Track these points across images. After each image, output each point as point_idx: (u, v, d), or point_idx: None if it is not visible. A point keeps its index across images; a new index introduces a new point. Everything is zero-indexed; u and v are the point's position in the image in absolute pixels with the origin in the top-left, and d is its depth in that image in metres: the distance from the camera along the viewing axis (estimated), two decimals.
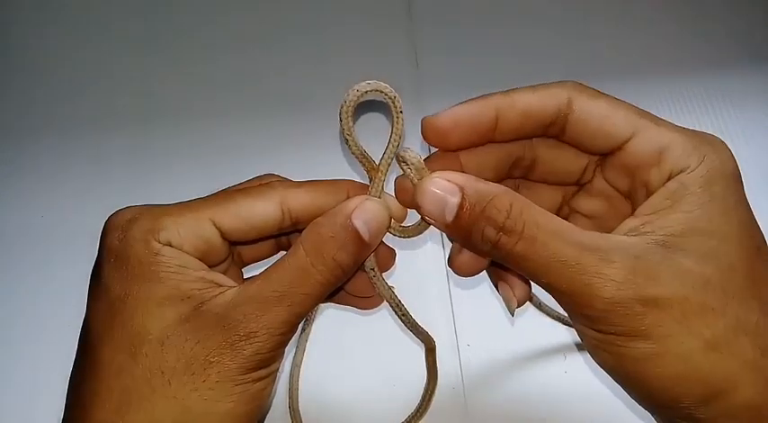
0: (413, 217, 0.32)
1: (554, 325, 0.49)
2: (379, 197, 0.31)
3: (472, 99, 0.30)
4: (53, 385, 0.50)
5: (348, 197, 0.31)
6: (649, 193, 0.29)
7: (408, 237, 0.33)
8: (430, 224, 0.30)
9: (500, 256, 0.27)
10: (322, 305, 0.49)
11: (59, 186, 0.58)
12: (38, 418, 0.49)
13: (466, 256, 0.32)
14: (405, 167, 0.30)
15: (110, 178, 0.59)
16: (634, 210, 0.29)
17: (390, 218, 0.32)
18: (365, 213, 0.30)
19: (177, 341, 0.27)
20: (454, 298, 0.51)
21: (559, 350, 0.49)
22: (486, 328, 0.50)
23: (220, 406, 0.27)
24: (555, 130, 0.30)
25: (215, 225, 0.30)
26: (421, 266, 0.53)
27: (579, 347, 0.49)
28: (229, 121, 0.61)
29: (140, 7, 0.67)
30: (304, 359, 0.47)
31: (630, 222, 0.28)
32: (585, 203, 0.33)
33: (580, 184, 0.34)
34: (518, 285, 0.34)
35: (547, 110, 0.29)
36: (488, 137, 0.31)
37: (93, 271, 0.30)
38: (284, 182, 0.32)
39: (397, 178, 0.31)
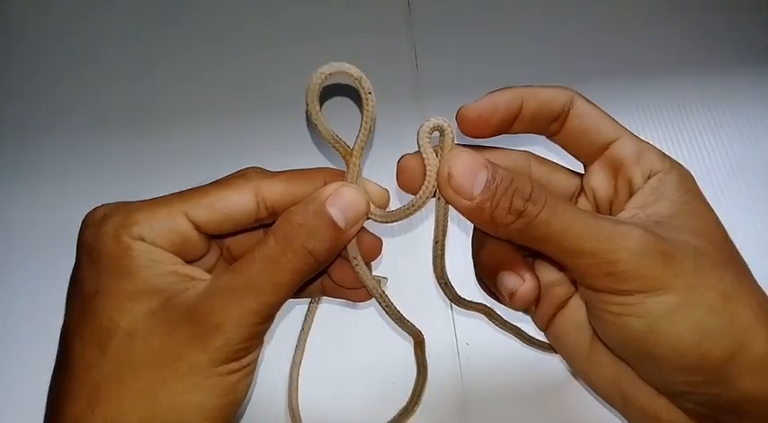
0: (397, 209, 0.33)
1: None
2: (356, 183, 0.31)
3: (498, 89, 0.33)
4: None
5: (325, 184, 0.31)
6: (632, 190, 0.32)
7: (390, 222, 0.32)
8: (447, 200, 0.30)
9: (522, 225, 0.28)
10: (321, 304, 0.49)
11: (60, 187, 0.58)
12: (41, 418, 0.49)
13: (531, 282, 0.33)
14: (427, 143, 0.30)
15: (110, 180, 0.59)
16: (611, 210, 0.33)
17: (369, 204, 0.32)
18: (341, 200, 0.30)
19: (145, 334, 0.27)
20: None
21: None
22: (486, 328, 0.50)
23: (190, 399, 0.27)
24: (554, 128, 0.33)
25: (188, 218, 0.30)
26: (421, 266, 0.53)
27: None
28: (230, 122, 0.61)
29: (141, 9, 0.67)
30: (303, 358, 0.48)
31: (624, 214, 0.31)
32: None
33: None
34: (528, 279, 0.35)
35: (558, 102, 0.32)
36: (511, 125, 0.33)
37: (72, 272, 0.30)
38: (260, 172, 0.32)
39: (403, 156, 0.32)
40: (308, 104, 0.30)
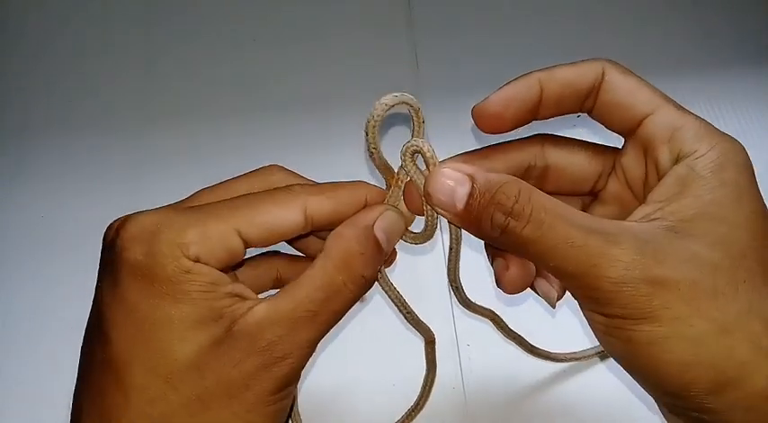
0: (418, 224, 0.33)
1: (554, 325, 0.49)
2: (397, 206, 0.32)
3: (512, 80, 0.31)
4: (54, 385, 0.50)
5: (366, 202, 0.31)
6: (660, 175, 0.29)
7: (418, 243, 0.33)
8: (439, 215, 0.30)
9: (509, 241, 0.27)
10: None
11: (60, 187, 0.58)
12: (41, 418, 0.49)
13: (513, 274, 0.32)
14: (412, 165, 0.31)
15: (110, 179, 0.59)
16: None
17: (406, 226, 0.32)
18: (386, 223, 0.30)
19: (214, 366, 0.26)
20: (454, 298, 0.51)
21: (559, 350, 0.49)
22: (486, 328, 0.50)
23: None
24: (589, 103, 0.31)
25: (240, 236, 0.28)
26: (421, 267, 0.53)
27: (580, 346, 0.49)
28: (230, 122, 0.61)
29: (141, 8, 0.67)
30: None
31: (642, 209, 0.28)
32: (599, 212, 0.33)
33: (593, 193, 0.33)
34: (554, 280, 0.34)
35: (584, 80, 0.30)
36: (534, 113, 0.31)
37: (106, 282, 0.28)
38: (305, 187, 0.31)
39: (405, 182, 0.32)
40: (367, 135, 0.31)
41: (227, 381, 0.26)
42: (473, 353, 0.49)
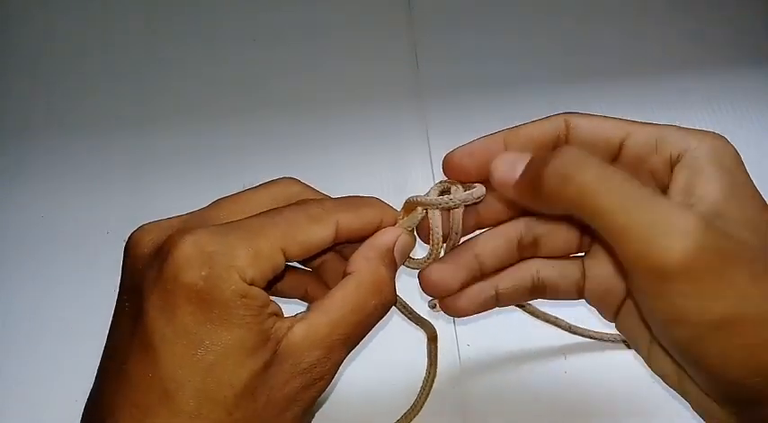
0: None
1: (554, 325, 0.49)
2: (411, 231, 0.33)
3: (480, 137, 0.32)
4: (54, 385, 0.50)
5: (381, 221, 0.32)
6: (661, 184, 0.30)
7: (414, 268, 0.35)
8: (498, 188, 0.30)
9: (570, 195, 0.25)
10: None
11: (60, 187, 0.58)
12: (41, 418, 0.49)
13: (440, 272, 0.33)
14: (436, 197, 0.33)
15: (110, 179, 0.59)
16: None
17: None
18: (401, 246, 0.32)
19: (263, 390, 0.27)
20: None
21: (559, 350, 0.49)
22: (486, 328, 0.50)
23: None
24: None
25: (284, 254, 0.28)
26: None
27: (581, 343, 0.49)
28: (230, 121, 0.61)
29: (141, 8, 0.67)
30: None
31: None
32: (591, 266, 0.34)
33: (586, 251, 0.34)
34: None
35: (546, 133, 0.31)
36: None
37: (155, 300, 0.26)
38: (335, 203, 0.31)
39: (427, 212, 0.33)
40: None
41: (274, 403, 0.27)
42: (473, 353, 0.49)
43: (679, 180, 0.29)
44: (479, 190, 0.32)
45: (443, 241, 0.33)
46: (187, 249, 0.26)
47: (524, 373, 0.48)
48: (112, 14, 0.67)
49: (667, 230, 0.24)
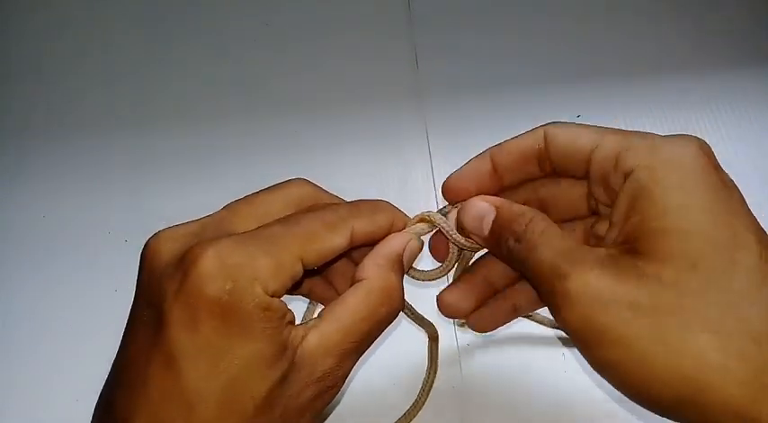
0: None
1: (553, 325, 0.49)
2: (417, 237, 0.34)
3: (471, 159, 0.34)
4: (54, 385, 0.50)
5: (392, 225, 0.33)
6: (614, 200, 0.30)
7: (421, 280, 0.36)
8: (472, 238, 0.33)
9: (513, 259, 0.30)
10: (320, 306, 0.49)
11: (60, 187, 0.58)
12: (41, 418, 0.49)
13: (453, 296, 0.35)
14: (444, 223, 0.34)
15: (110, 179, 0.59)
16: None
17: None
18: (409, 253, 0.33)
19: (281, 400, 0.27)
20: None
21: (559, 350, 0.49)
22: None
23: None
24: (547, 165, 0.33)
25: (302, 263, 0.29)
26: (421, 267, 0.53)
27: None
28: (230, 121, 0.61)
29: (141, 8, 0.67)
30: None
31: (609, 234, 0.29)
32: (602, 229, 0.33)
33: (595, 213, 0.34)
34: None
35: (526, 144, 0.32)
36: (497, 183, 0.34)
37: (178, 311, 0.26)
38: (348, 209, 0.32)
39: (432, 237, 0.35)
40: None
41: (290, 411, 0.28)
42: (473, 353, 0.49)
43: (619, 206, 0.29)
44: None
45: (456, 261, 0.35)
46: (210, 262, 0.26)
47: (524, 373, 0.48)
48: (112, 14, 0.67)
49: (557, 299, 0.28)
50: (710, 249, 0.26)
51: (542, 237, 0.29)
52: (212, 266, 0.26)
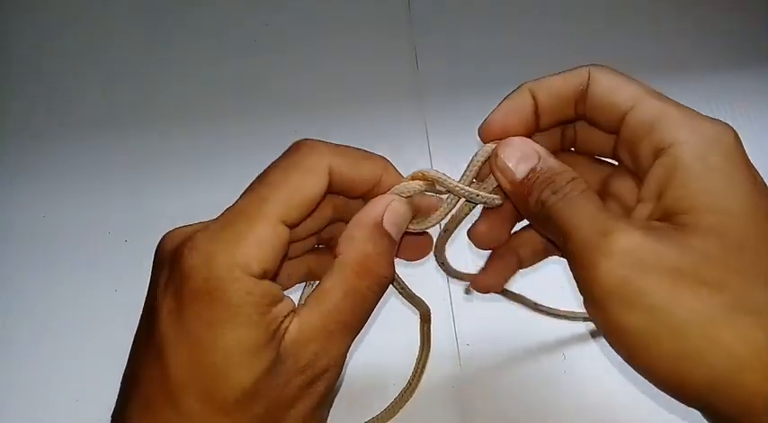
0: None
1: (553, 325, 0.49)
2: (408, 198, 0.32)
3: (509, 94, 0.32)
4: (54, 385, 0.50)
5: (381, 179, 0.31)
6: (642, 170, 0.29)
7: (419, 229, 0.33)
8: (497, 179, 0.31)
9: (543, 214, 0.28)
10: None
11: (60, 187, 0.58)
12: (41, 418, 0.49)
13: (483, 226, 0.33)
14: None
15: (110, 179, 0.59)
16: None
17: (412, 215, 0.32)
18: (394, 215, 0.30)
19: (265, 391, 0.26)
20: (454, 298, 0.51)
21: (559, 350, 0.49)
22: (486, 328, 0.50)
23: None
24: (581, 109, 0.31)
25: (286, 224, 0.28)
26: (421, 267, 0.53)
27: (580, 343, 0.49)
28: (230, 122, 0.61)
29: (141, 8, 0.67)
30: None
31: (640, 209, 0.28)
32: (618, 185, 0.33)
33: (615, 158, 0.33)
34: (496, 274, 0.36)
35: (569, 85, 0.31)
36: (535, 122, 0.32)
37: (167, 303, 0.27)
38: (329, 147, 0.30)
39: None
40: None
41: (276, 403, 0.26)
42: (473, 353, 0.49)
43: (653, 176, 0.28)
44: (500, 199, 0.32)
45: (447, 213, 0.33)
46: (192, 253, 0.26)
47: (524, 373, 0.48)
48: (112, 14, 0.67)
49: (593, 257, 0.26)
50: (756, 232, 0.26)
51: (584, 194, 0.28)
52: (194, 257, 0.26)
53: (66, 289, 0.54)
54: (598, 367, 0.48)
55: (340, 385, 0.29)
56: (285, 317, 0.27)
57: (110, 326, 0.52)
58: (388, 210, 0.30)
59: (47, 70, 0.64)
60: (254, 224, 0.27)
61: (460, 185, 0.32)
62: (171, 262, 0.27)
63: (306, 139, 0.31)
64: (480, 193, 0.32)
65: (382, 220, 0.29)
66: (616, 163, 0.33)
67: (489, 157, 0.31)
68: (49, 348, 0.52)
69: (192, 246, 0.26)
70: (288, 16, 0.66)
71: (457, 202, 0.33)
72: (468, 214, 0.34)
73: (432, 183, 0.32)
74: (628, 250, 0.25)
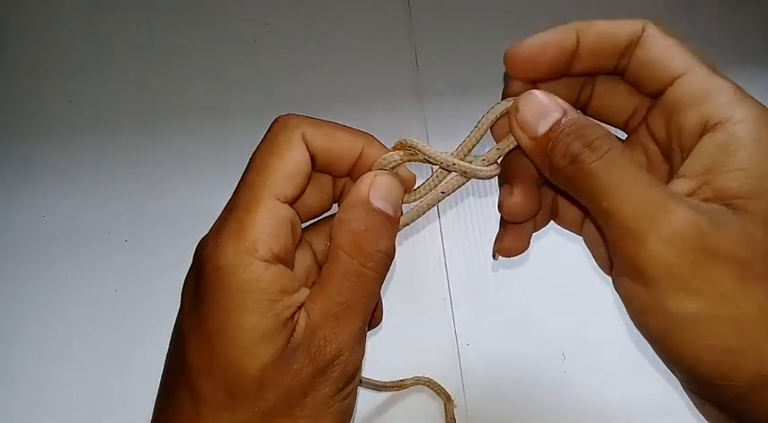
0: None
1: (553, 325, 0.49)
2: (394, 169, 0.31)
3: (551, 28, 0.30)
4: (54, 385, 0.50)
5: (362, 153, 0.31)
6: (684, 141, 0.27)
7: (417, 199, 0.32)
8: (515, 136, 0.29)
9: (572, 172, 0.26)
10: None
11: (61, 187, 0.58)
12: (41, 419, 0.49)
13: (516, 199, 0.31)
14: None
15: (111, 178, 0.59)
16: (671, 169, 0.28)
17: (404, 188, 0.31)
18: (381, 190, 0.29)
19: (275, 380, 0.26)
20: (454, 298, 0.51)
21: (559, 350, 0.49)
22: (486, 328, 0.50)
23: None
24: (624, 62, 0.30)
25: (283, 200, 0.28)
26: (421, 267, 0.53)
27: (580, 343, 0.49)
28: (230, 122, 0.61)
29: (141, 8, 0.67)
30: None
31: (685, 182, 0.26)
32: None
33: (627, 130, 0.32)
34: (519, 241, 0.33)
35: (622, 33, 0.29)
36: (568, 64, 0.30)
37: (189, 300, 0.28)
38: (301, 118, 0.30)
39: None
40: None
41: (287, 392, 0.26)
42: (473, 353, 0.49)
43: (702, 152, 0.26)
44: (496, 169, 0.31)
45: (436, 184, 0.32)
46: (204, 248, 0.27)
47: (524, 373, 0.48)
48: (113, 15, 0.67)
49: (651, 222, 0.24)
50: None
51: (624, 155, 0.25)
52: (207, 249, 0.27)
53: (66, 289, 0.54)
54: (598, 367, 0.48)
55: (360, 372, 0.29)
56: (299, 308, 0.27)
57: (110, 326, 0.52)
58: (373, 186, 0.29)
59: (47, 70, 0.64)
60: (251, 209, 0.27)
61: (438, 153, 0.30)
62: (193, 259, 0.28)
63: (280, 116, 0.31)
64: (459, 162, 0.30)
65: (368, 196, 0.29)
66: (624, 136, 0.32)
67: (502, 115, 0.30)
68: (49, 348, 0.52)
69: (206, 241, 0.27)
70: (288, 16, 0.66)
71: (447, 176, 0.32)
72: (460, 186, 0.32)
73: (413, 152, 0.31)
74: (692, 232, 0.23)
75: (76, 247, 0.55)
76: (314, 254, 0.32)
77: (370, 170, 0.30)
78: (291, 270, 0.28)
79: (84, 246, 0.56)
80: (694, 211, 0.24)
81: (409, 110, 0.60)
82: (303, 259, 0.32)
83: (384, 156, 0.31)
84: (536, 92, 0.29)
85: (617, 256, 0.26)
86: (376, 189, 0.29)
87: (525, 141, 0.28)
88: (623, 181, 0.25)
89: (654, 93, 0.29)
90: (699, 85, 0.27)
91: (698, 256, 0.23)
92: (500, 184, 0.32)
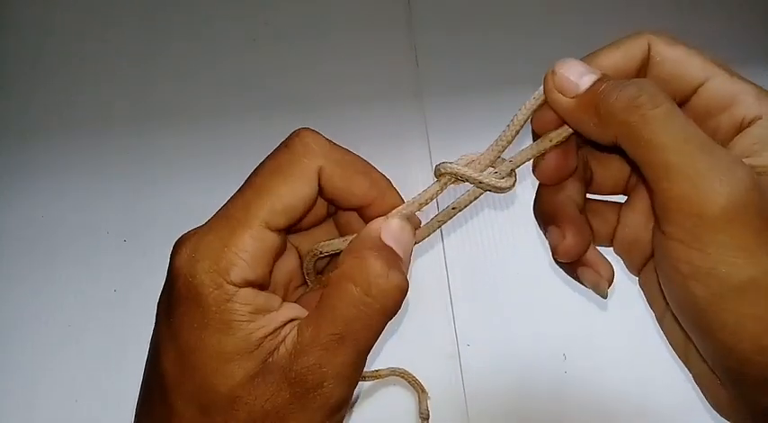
0: None
1: (553, 325, 0.49)
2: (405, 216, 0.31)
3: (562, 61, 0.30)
4: (54, 386, 0.50)
5: (374, 200, 0.30)
6: (721, 141, 0.27)
7: (422, 239, 0.33)
8: (553, 100, 0.29)
9: (630, 119, 0.25)
10: None
11: (60, 187, 0.58)
12: (41, 419, 0.49)
13: (570, 242, 0.30)
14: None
15: (110, 178, 0.59)
16: None
17: (415, 230, 0.31)
18: (391, 230, 0.29)
19: (248, 400, 0.26)
20: (454, 298, 0.51)
21: (559, 350, 0.49)
22: (486, 328, 0.50)
23: None
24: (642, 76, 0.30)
25: (270, 229, 0.27)
26: (421, 267, 0.53)
27: (580, 343, 0.49)
28: (229, 121, 0.61)
29: (141, 8, 0.67)
30: None
31: None
32: (629, 216, 0.32)
33: (627, 191, 0.33)
34: (602, 264, 0.32)
35: (632, 62, 0.29)
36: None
37: (163, 308, 0.27)
38: (325, 149, 0.30)
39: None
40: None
41: (262, 414, 0.26)
42: (473, 353, 0.49)
43: (743, 142, 0.26)
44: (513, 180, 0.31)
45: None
46: (179, 256, 0.27)
47: (524, 373, 0.48)
48: (112, 14, 0.67)
49: (719, 176, 0.23)
50: None
51: (675, 110, 0.25)
52: (182, 259, 0.26)
53: (65, 289, 0.54)
54: (598, 367, 0.48)
55: (353, 403, 0.28)
56: (280, 327, 0.26)
57: (109, 326, 0.52)
58: (384, 226, 0.29)
59: (46, 70, 0.64)
60: (237, 231, 0.26)
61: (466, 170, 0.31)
62: (169, 264, 0.27)
63: (304, 131, 0.30)
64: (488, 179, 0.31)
65: (380, 235, 0.29)
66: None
67: (539, 107, 0.30)
68: (48, 348, 0.52)
69: (183, 248, 0.27)
70: (288, 16, 0.66)
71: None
72: (473, 200, 0.33)
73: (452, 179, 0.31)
74: (757, 198, 0.23)
75: (75, 248, 0.55)
76: (298, 256, 0.32)
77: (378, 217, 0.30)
78: (268, 288, 0.28)
79: (82, 246, 0.56)
80: (753, 173, 0.24)
81: (409, 109, 0.60)
82: (286, 264, 0.31)
83: (409, 206, 0.31)
84: (571, 59, 0.29)
85: (671, 213, 0.25)
86: (387, 230, 0.29)
87: (564, 103, 0.28)
88: (688, 135, 0.24)
89: (678, 102, 0.28)
90: (725, 88, 0.28)
91: (761, 224, 0.23)
92: (545, 230, 0.32)
